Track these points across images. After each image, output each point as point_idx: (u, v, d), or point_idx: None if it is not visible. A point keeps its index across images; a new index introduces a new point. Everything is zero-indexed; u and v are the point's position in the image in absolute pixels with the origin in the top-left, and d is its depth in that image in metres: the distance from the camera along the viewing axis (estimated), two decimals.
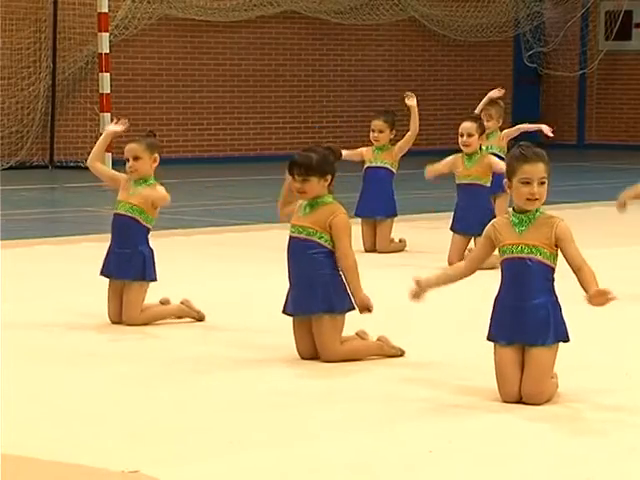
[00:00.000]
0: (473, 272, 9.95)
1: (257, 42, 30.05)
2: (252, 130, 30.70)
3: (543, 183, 9.30)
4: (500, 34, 33.61)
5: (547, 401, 9.35)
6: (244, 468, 7.76)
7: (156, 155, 12.47)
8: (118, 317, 12.54)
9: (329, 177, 10.78)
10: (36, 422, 9.12)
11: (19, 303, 13.41)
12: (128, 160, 12.32)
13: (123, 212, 12.66)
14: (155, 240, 13.23)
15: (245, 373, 10.96)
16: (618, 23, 35.30)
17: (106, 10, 26.37)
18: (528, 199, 9.25)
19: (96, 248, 15.71)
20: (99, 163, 13.53)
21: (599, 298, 9.07)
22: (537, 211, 9.43)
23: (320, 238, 10.85)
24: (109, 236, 16.33)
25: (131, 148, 12.35)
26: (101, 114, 26.42)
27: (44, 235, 18.81)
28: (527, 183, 9.17)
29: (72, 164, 26.99)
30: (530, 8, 33.79)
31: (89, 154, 23.91)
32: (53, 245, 17.76)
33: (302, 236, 10.94)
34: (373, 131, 17.38)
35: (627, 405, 9.35)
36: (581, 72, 35.25)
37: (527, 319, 9.53)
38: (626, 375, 10.30)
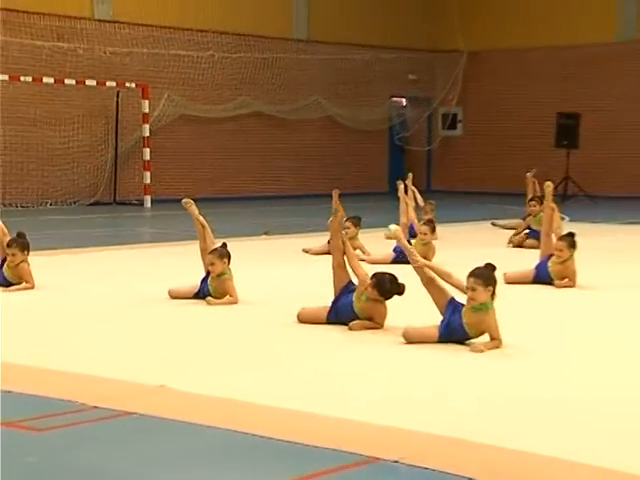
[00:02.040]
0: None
1: (238, 129, 29.98)
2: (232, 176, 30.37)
3: None
4: (381, 125, 33.88)
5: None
6: (247, 383, 7.91)
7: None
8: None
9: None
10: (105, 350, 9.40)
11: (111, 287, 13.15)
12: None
13: None
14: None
15: (256, 315, 11.14)
16: (449, 120, 35.40)
17: (147, 111, 27.22)
18: None
19: (138, 253, 17.00)
20: None
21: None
22: None
23: None
24: (150, 244, 17.70)
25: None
26: (144, 172, 27.12)
27: (107, 244, 18.15)
28: None
29: (127, 202, 27.28)
30: (398, 110, 34.41)
31: (137, 197, 24.75)
32: (114, 250, 17.08)
33: None
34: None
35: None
36: (428, 148, 35.36)
37: None
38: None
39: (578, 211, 18.27)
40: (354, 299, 10.21)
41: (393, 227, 11.49)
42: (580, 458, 6.05)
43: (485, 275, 9.32)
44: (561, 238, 13.56)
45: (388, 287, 9.97)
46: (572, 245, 13.29)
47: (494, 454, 6.24)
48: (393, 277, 10.07)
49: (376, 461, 5.96)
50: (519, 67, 33.69)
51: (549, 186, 14.34)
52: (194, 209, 12.35)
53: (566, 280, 13.31)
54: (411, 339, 9.45)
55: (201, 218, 12.27)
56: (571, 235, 13.59)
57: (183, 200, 12.69)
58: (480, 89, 34.67)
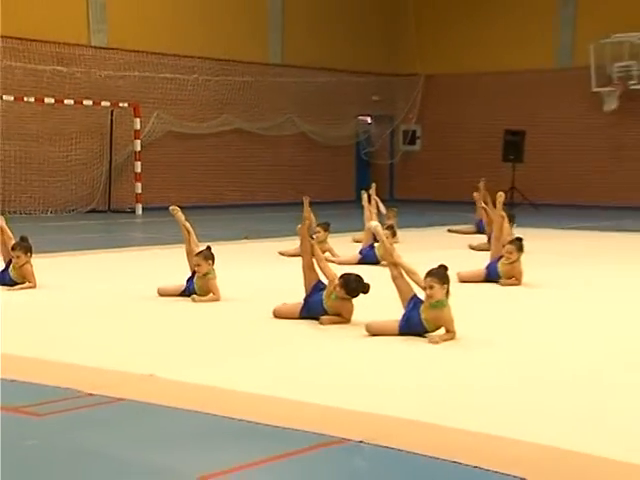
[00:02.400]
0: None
1: (220, 144, 29.91)
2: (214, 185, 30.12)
3: None
4: (348, 141, 33.84)
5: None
6: (228, 372, 7.94)
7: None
8: None
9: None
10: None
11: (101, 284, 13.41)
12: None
13: None
14: None
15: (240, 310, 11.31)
16: (409, 136, 35.35)
17: (138, 128, 27.15)
18: None
19: (130, 256, 16.99)
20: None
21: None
22: None
23: None
24: (141, 248, 17.74)
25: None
26: (135, 183, 27.01)
27: (102, 247, 18.16)
28: None
29: (120, 210, 27.05)
30: (363, 127, 34.42)
31: (129, 205, 24.85)
32: (109, 253, 17.11)
33: None
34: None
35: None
36: (390, 161, 35.38)
37: None
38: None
39: (523, 218, 18.31)
40: (324, 297, 10.22)
41: (373, 223, 11.99)
42: (520, 435, 6.16)
43: (441, 275, 9.39)
44: (510, 242, 13.58)
45: (354, 286, 10.00)
46: (520, 248, 13.36)
47: (450, 434, 6.28)
48: (359, 277, 10.10)
49: (343, 442, 6.01)
50: (471, 90, 33.74)
51: (501, 196, 14.45)
52: (180, 215, 12.35)
53: (512, 279, 13.35)
54: (374, 332, 9.48)
55: (187, 224, 12.25)
56: (519, 240, 13.69)
57: (170, 207, 12.66)
58: (436, 109, 34.69)
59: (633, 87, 30.63)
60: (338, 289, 10.04)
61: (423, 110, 35.10)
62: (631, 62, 30.39)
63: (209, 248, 11.90)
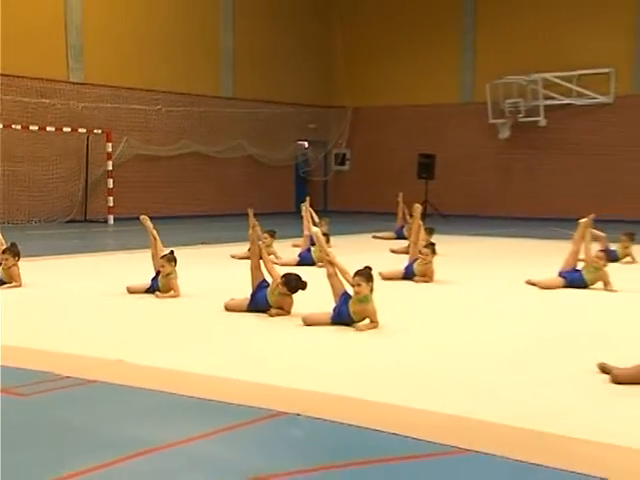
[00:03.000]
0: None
1: (180, 165, 29.54)
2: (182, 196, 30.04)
3: None
4: (289, 162, 33.66)
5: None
6: (185, 356, 7.90)
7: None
8: None
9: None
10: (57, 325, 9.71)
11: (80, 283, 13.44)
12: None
13: None
14: None
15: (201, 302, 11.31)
16: (340, 158, 35.28)
17: (110, 151, 26.68)
18: None
19: (103, 259, 16.76)
20: None
21: None
22: None
23: None
24: (112, 252, 17.59)
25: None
26: (108, 197, 26.56)
27: (79, 252, 17.67)
28: None
29: (95, 220, 26.56)
30: (302, 151, 34.33)
31: (103, 216, 24.69)
32: (85, 257, 16.84)
33: None
34: None
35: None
36: (324, 179, 35.19)
37: None
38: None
39: (435, 226, 18.41)
40: (268, 293, 10.22)
41: (315, 229, 12.26)
42: (430, 407, 6.24)
43: (366, 274, 9.44)
44: (425, 246, 13.65)
45: (294, 284, 10.04)
46: (433, 252, 13.47)
47: (372, 407, 6.34)
48: (298, 276, 10.12)
49: (282, 414, 6.08)
50: (391, 120, 33.86)
51: (418, 207, 14.68)
52: (149, 224, 12.27)
53: (426, 277, 13.42)
54: (310, 323, 9.53)
55: (154, 231, 12.17)
56: (432, 244, 13.82)
57: (141, 217, 12.57)
58: (362, 135, 34.78)
59: (521, 120, 31.03)
60: (281, 286, 10.07)
61: (351, 136, 35.14)
62: (519, 99, 30.82)
63: (172, 252, 11.81)
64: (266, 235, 16.24)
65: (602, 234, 15.49)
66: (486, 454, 5.27)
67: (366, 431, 5.70)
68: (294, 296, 10.17)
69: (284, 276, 10.16)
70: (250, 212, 16.84)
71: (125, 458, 5.11)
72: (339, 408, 6.26)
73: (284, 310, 10.14)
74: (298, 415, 6.04)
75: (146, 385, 6.86)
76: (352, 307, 9.44)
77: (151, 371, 7.37)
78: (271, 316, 10.03)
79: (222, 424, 5.84)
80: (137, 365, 7.57)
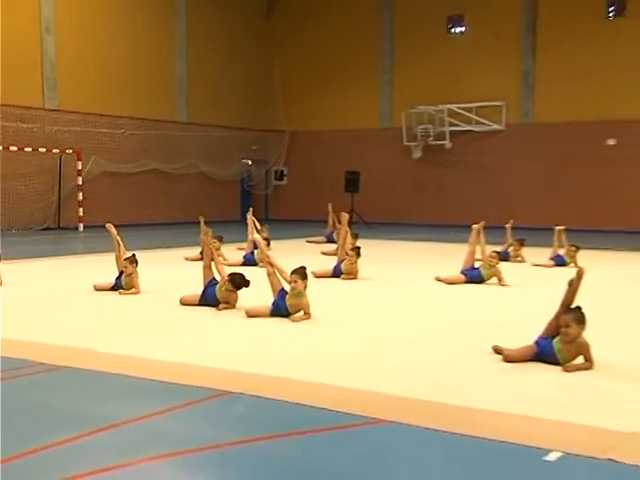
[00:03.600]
0: None
1: (140, 181, 29.08)
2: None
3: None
4: (236, 178, 33.29)
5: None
6: (145, 345, 7.86)
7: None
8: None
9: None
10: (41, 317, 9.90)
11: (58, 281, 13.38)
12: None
13: None
14: None
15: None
16: (279, 174, 35.09)
17: (80, 168, 26.44)
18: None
19: (74, 261, 16.49)
20: None
21: None
22: None
23: None
24: (82, 255, 17.27)
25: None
26: (78, 208, 26.26)
27: (53, 255, 17.46)
28: None
29: (67, 227, 26.27)
30: (246, 168, 33.92)
31: (74, 224, 24.31)
32: (58, 259, 16.70)
33: None
34: None
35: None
36: (266, 192, 34.81)
37: None
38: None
39: (359, 231, 18.54)
40: (217, 289, 10.17)
41: (257, 236, 12.73)
42: (359, 385, 6.24)
43: (301, 272, 9.48)
44: (352, 249, 13.80)
45: (238, 282, 10.02)
46: (358, 254, 13.57)
47: (307, 386, 6.34)
48: (242, 275, 10.09)
49: (228, 393, 6.07)
50: (322, 142, 33.92)
51: (345, 215, 14.76)
52: (113, 231, 12.11)
53: (351, 275, 13.45)
54: (252, 315, 9.49)
55: (118, 237, 12.02)
56: (357, 247, 14.04)
57: (106, 225, 12.43)
58: (298, 155, 34.74)
59: (430, 143, 31.31)
60: (227, 284, 10.04)
61: (288, 156, 35.07)
62: (429, 125, 31.16)
63: (134, 255, 11.73)
64: (215, 240, 15.87)
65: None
66: (402, 424, 5.34)
67: (300, 407, 5.73)
68: (239, 292, 10.12)
69: (230, 275, 10.14)
70: (202, 220, 16.98)
71: (92, 432, 5.11)
72: (277, 387, 6.26)
73: (230, 304, 10.07)
74: (241, 394, 6.04)
75: (111, 370, 6.81)
76: (289, 301, 9.43)
77: (115, 358, 7.29)
78: (219, 310, 9.98)
79: (176, 402, 5.83)
80: (103, 353, 7.49)
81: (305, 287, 9.41)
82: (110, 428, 5.19)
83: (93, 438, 5.01)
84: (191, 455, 4.76)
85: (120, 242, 12.03)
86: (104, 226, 12.68)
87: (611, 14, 28.26)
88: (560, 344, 7.09)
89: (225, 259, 15.54)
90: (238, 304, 10.08)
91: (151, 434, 5.15)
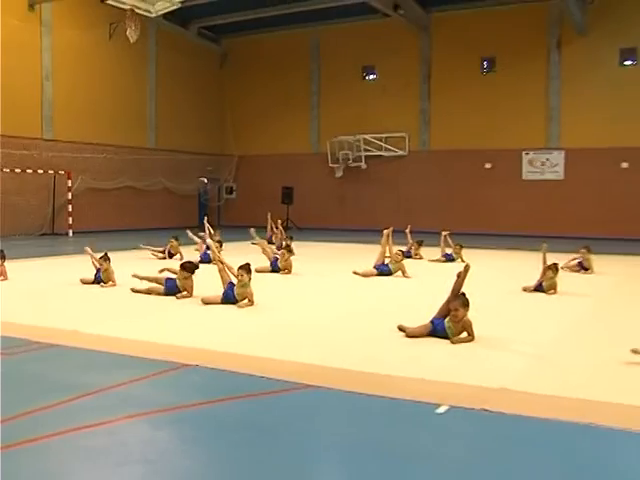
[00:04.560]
0: None
1: (118, 195, 28.45)
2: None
3: None
4: (194, 192, 32.49)
5: None
6: (117, 326, 7.89)
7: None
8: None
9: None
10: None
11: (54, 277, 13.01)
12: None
13: None
14: None
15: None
16: (229, 190, 34.48)
17: (70, 185, 25.66)
18: None
19: (65, 260, 15.98)
20: None
21: None
22: None
23: None
24: (71, 256, 16.87)
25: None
26: (68, 217, 25.44)
27: (48, 255, 17.13)
28: None
29: (59, 233, 25.39)
30: (203, 185, 33.12)
31: (65, 230, 23.76)
32: (52, 259, 16.42)
33: None
34: None
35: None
36: (218, 204, 34.03)
37: None
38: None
39: (293, 234, 18.53)
40: (177, 279, 10.05)
41: (209, 240, 12.41)
42: (294, 358, 6.18)
43: (247, 268, 9.40)
44: (285, 248, 13.75)
45: (189, 266, 9.98)
46: (290, 251, 13.59)
47: (248, 359, 6.27)
48: (190, 262, 10.17)
49: (185, 366, 6.02)
50: (264, 163, 33.69)
51: (278, 222, 14.74)
52: (90, 252, 11.82)
53: (286, 270, 13.39)
54: (206, 302, 9.37)
55: (93, 256, 11.78)
56: (288, 245, 14.07)
57: (85, 248, 12.11)
58: (245, 174, 34.44)
59: (350, 164, 31.32)
60: (180, 272, 9.97)
61: (237, 175, 34.71)
62: (348, 151, 31.16)
63: (106, 253, 11.61)
64: (172, 240, 16.10)
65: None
66: (326, 388, 5.36)
67: (247, 376, 5.70)
68: (204, 289, 9.94)
69: (181, 265, 10.09)
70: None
71: (78, 397, 5.07)
72: (227, 360, 6.19)
73: (188, 293, 9.90)
74: (198, 366, 6.00)
75: (93, 347, 6.71)
76: (236, 291, 9.34)
77: (96, 337, 7.17)
78: (178, 298, 9.82)
79: (146, 373, 5.78)
80: (87, 333, 7.36)
81: (249, 279, 9.32)
82: (93, 394, 5.17)
83: (79, 402, 4.98)
84: (158, 415, 4.74)
85: (96, 258, 11.73)
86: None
87: (485, 70, 28.99)
88: (450, 323, 7.22)
89: (182, 258, 15.43)
90: (195, 292, 9.91)
91: (126, 398, 5.12)
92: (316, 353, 6.51)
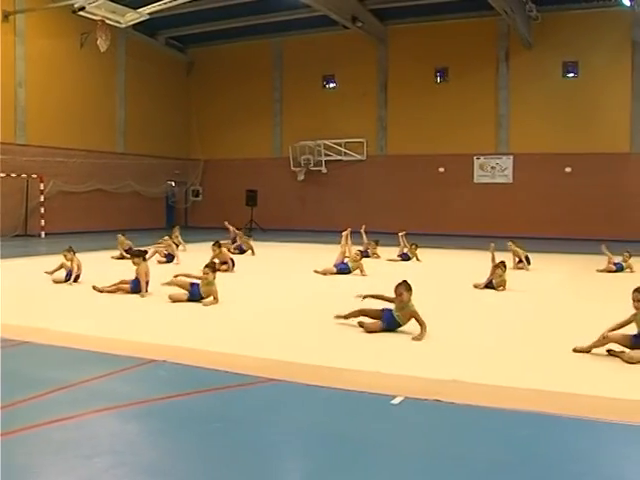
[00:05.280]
0: None
1: (88, 198, 27.93)
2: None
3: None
4: (162, 195, 31.72)
5: None
6: (86, 324, 7.80)
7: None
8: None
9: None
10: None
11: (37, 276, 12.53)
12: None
13: None
14: None
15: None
16: (196, 192, 33.99)
17: (42, 189, 25.35)
18: None
19: (37, 260, 15.46)
20: None
21: None
22: None
23: None
24: (44, 256, 16.59)
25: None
26: (41, 219, 25.00)
27: (21, 255, 16.79)
28: None
29: (32, 234, 24.83)
30: (171, 188, 32.67)
31: (37, 232, 23.30)
32: (25, 259, 16.16)
33: None
34: None
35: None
36: (185, 206, 33.64)
37: None
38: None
39: (257, 236, 18.52)
40: (200, 285, 9.63)
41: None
42: (252, 353, 6.11)
43: (212, 266, 9.47)
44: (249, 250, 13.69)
45: (137, 254, 10.03)
46: (251, 253, 13.48)
47: (211, 355, 6.25)
48: (141, 250, 10.27)
49: (154, 361, 5.98)
50: (228, 167, 33.49)
51: (240, 227, 14.69)
52: (67, 263, 11.48)
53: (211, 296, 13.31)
54: (174, 300, 9.31)
55: (67, 263, 11.43)
56: (240, 247, 13.95)
57: (64, 248, 11.79)
58: (211, 178, 34.21)
59: (311, 168, 31.31)
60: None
61: (203, 178, 34.43)
62: (309, 156, 31.19)
63: (70, 246, 11.55)
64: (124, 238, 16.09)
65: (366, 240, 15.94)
66: (288, 381, 5.37)
67: (211, 371, 5.68)
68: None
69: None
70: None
71: (51, 391, 5.02)
72: (192, 356, 6.15)
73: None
74: (165, 361, 5.95)
75: (63, 344, 6.61)
76: (202, 288, 9.31)
77: (65, 334, 7.06)
78: (142, 297, 9.70)
79: (115, 368, 5.73)
80: (57, 331, 7.24)
81: (214, 278, 9.27)
82: (64, 388, 5.12)
83: (52, 396, 4.94)
84: (127, 408, 4.70)
85: (67, 266, 11.46)
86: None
87: (438, 79, 29.25)
88: (397, 312, 7.27)
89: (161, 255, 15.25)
90: (163, 291, 9.75)
91: (95, 393, 5.08)
92: (278, 348, 6.51)
